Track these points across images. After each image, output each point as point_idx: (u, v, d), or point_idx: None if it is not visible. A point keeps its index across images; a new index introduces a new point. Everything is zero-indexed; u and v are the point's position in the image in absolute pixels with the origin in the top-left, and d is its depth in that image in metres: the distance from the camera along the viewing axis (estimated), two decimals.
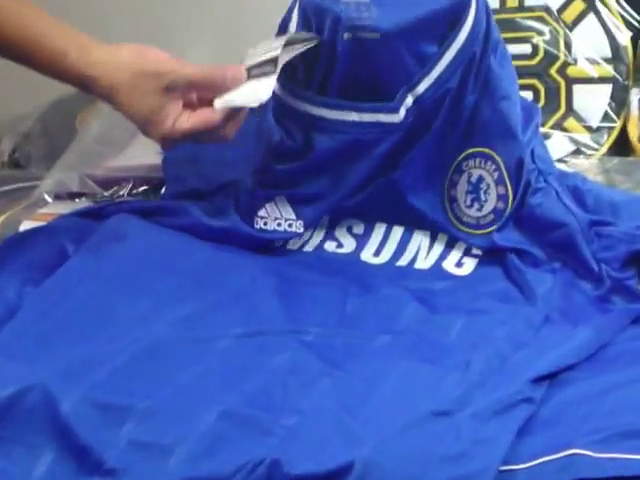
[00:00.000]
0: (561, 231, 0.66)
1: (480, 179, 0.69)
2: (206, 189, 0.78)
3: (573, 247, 0.65)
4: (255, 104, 0.64)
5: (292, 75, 0.69)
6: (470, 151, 0.70)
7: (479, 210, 0.69)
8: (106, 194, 0.83)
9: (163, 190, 0.82)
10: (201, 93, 0.66)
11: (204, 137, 0.67)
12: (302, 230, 0.70)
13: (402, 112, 0.67)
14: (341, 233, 0.72)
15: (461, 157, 0.70)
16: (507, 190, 0.68)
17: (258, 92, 0.64)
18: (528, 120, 0.71)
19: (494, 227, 0.68)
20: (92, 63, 0.64)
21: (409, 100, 0.67)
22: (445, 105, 0.68)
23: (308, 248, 0.72)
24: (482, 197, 0.69)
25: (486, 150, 0.69)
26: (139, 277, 0.64)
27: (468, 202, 0.70)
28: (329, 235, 0.72)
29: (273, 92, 0.66)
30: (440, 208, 0.71)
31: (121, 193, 0.83)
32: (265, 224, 0.71)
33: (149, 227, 0.71)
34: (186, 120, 0.64)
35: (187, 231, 0.71)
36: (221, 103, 0.64)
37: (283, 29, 0.71)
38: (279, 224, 0.71)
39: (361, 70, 0.67)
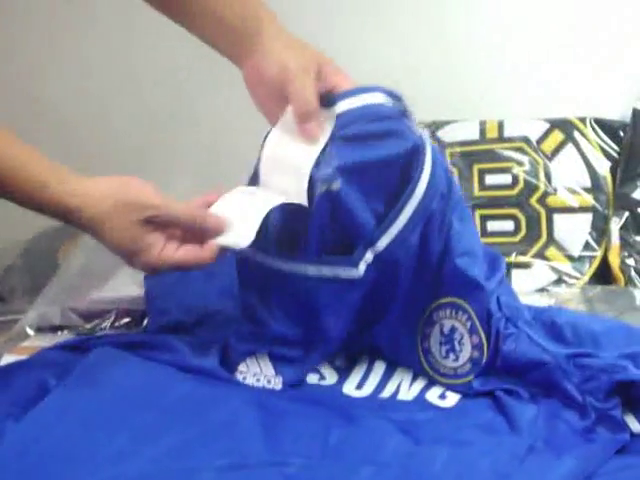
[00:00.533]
0: (540, 371, 0.68)
1: (453, 329, 0.72)
2: (190, 321, 0.83)
3: (554, 384, 0.68)
4: (245, 244, 0.68)
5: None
6: (440, 301, 0.73)
7: (455, 360, 0.72)
8: (88, 327, 0.86)
9: (145, 322, 0.86)
10: (183, 230, 0.70)
11: (190, 268, 0.71)
12: (280, 387, 0.73)
13: (362, 267, 0.70)
14: (323, 366, 0.76)
15: (432, 307, 0.74)
16: (481, 339, 0.71)
17: (246, 233, 0.68)
18: (493, 270, 0.74)
19: (471, 376, 0.71)
20: (72, 194, 0.66)
21: (369, 256, 0.70)
22: (409, 258, 0.71)
23: None
24: (457, 347, 0.72)
25: (456, 300, 0.72)
26: (118, 412, 0.66)
27: (443, 353, 0.73)
28: (312, 368, 0.76)
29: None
30: (415, 361, 0.74)
31: (103, 326, 0.86)
32: (244, 379, 0.74)
33: (131, 361, 0.74)
34: (173, 252, 0.69)
35: (170, 366, 0.74)
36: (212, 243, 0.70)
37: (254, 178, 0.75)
38: (258, 379, 0.74)
39: (330, 227, 0.70)
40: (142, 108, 1.30)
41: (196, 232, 0.70)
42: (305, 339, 0.74)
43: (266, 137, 0.73)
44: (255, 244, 0.70)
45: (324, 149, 0.70)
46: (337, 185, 0.69)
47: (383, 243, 0.70)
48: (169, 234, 0.70)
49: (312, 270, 0.71)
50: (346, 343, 0.75)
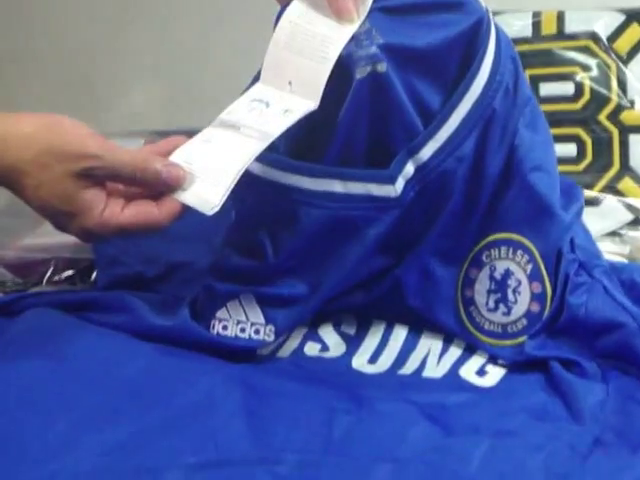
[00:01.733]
0: (614, 335, 0.69)
1: (507, 274, 0.73)
2: (150, 274, 0.82)
3: (631, 353, 0.68)
4: (208, 211, 0.67)
5: None
6: (492, 238, 0.73)
7: (506, 314, 0.73)
8: (19, 281, 0.87)
9: (94, 276, 0.86)
10: (129, 186, 0.69)
11: (140, 232, 0.69)
12: (272, 338, 0.73)
13: (400, 184, 0.70)
14: (326, 332, 0.76)
15: (480, 246, 0.74)
16: (545, 287, 0.71)
17: (213, 192, 0.67)
18: (570, 200, 0.75)
19: (525, 337, 0.71)
20: None
21: (409, 168, 0.70)
22: (458, 178, 0.71)
23: (283, 352, 0.75)
24: (510, 297, 0.73)
25: (514, 236, 0.73)
26: (59, 392, 0.66)
27: (491, 304, 0.73)
28: (311, 334, 0.76)
29: None
30: (452, 313, 0.74)
31: (39, 280, 0.87)
32: (224, 328, 0.74)
33: (74, 325, 0.74)
34: (118, 212, 0.67)
35: (127, 331, 0.74)
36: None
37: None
38: (242, 329, 0.74)
39: (367, 122, 0.70)
40: None
41: (146, 187, 0.69)
42: (313, 274, 0.74)
43: (280, 13, 0.72)
44: (259, 156, 0.70)
45: (360, 27, 0.69)
46: (383, 67, 0.68)
47: (428, 151, 0.71)
48: (111, 189, 0.69)
49: (337, 186, 0.70)
50: (364, 282, 0.75)
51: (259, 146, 0.68)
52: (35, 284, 0.87)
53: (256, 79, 0.74)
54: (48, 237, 0.90)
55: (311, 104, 0.69)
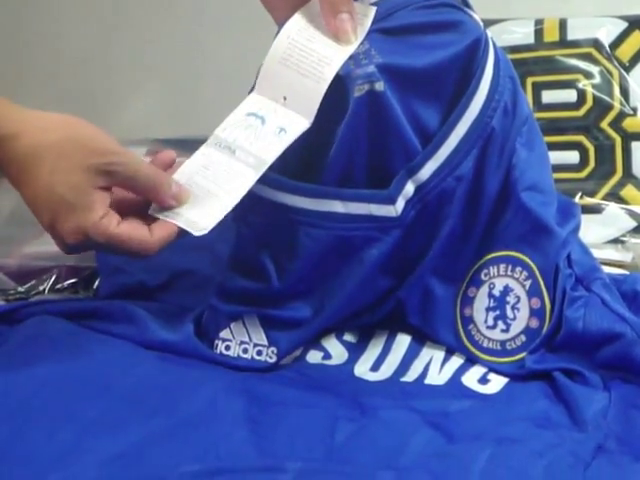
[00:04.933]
0: (614, 345, 0.69)
1: (506, 290, 0.73)
2: (154, 283, 0.83)
3: (631, 362, 0.68)
4: (197, 233, 0.68)
5: None
6: (491, 256, 0.74)
7: (505, 331, 0.73)
8: (21, 289, 0.87)
9: (96, 284, 0.86)
10: (135, 194, 0.69)
11: (129, 250, 0.68)
12: (275, 360, 0.73)
13: (400, 203, 0.71)
14: (329, 340, 0.76)
15: (479, 264, 0.74)
16: (544, 303, 0.72)
17: (205, 218, 0.68)
18: (566, 217, 0.75)
19: (524, 353, 0.71)
20: (8, 118, 0.66)
21: (409, 188, 0.71)
22: (457, 198, 0.72)
23: (286, 361, 0.75)
24: (509, 314, 0.73)
25: (513, 253, 0.73)
26: (61, 400, 0.66)
27: (490, 322, 0.73)
28: (313, 343, 0.76)
29: None
30: (451, 332, 0.75)
31: (41, 288, 0.87)
32: (227, 348, 0.74)
33: (77, 334, 0.74)
34: (115, 223, 0.67)
35: (129, 340, 0.74)
36: (163, 216, 0.69)
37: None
38: (245, 350, 0.74)
39: (365, 141, 0.70)
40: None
41: (152, 197, 0.69)
42: (317, 297, 0.74)
43: (278, 32, 0.73)
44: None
45: (359, 47, 0.70)
46: (381, 86, 0.68)
47: (427, 171, 0.71)
48: (118, 197, 0.69)
49: (338, 206, 0.71)
50: (367, 306, 0.75)
51: (254, 176, 0.69)
52: (38, 292, 0.87)
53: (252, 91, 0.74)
54: (51, 245, 0.89)
55: (305, 122, 0.70)
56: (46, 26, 1.44)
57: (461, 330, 0.75)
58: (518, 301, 0.73)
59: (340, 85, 0.69)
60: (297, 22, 0.72)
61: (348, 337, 0.77)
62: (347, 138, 0.70)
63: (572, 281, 0.72)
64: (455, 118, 0.71)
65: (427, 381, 0.73)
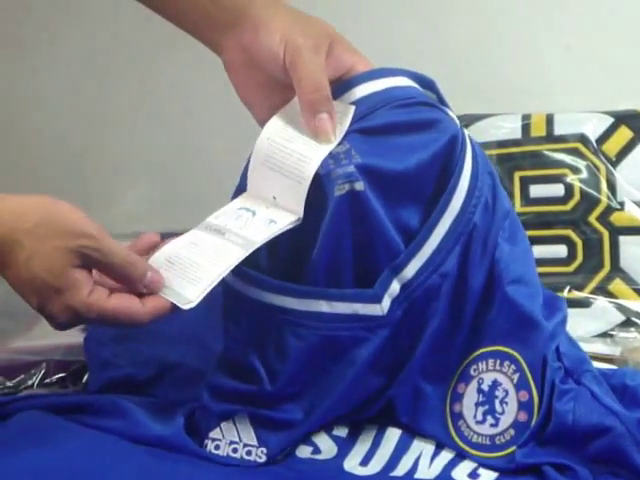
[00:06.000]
0: (603, 439, 0.68)
1: (495, 385, 0.73)
2: (143, 377, 0.82)
3: (621, 456, 0.67)
4: (185, 306, 0.68)
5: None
6: (479, 352, 0.74)
7: (494, 426, 0.72)
8: (10, 384, 0.86)
9: (85, 378, 0.86)
10: (113, 277, 0.69)
11: (122, 322, 0.69)
12: (264, 460, 0.73)
13: (386, 302, 0.71)
14: (318, 435, 0.76)
15: (468, 360, 0.74)
16: (532, 396, 0.71)
17: (192, 290, 0.69)
18: (552, 310, 0.76)
19: (514, 447, 0.71)
20: None
21: (395, 287, 0.72)
22: (443, 295, 0.72)
23: None
24: (498, 408, 0.72)
25: (501, 348, 0.73)
26: None
27: (479, 417, 0.73)
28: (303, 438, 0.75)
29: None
30: (441, 429, 0.74)
31: (30, 383, 0.86)
32: (217, 447, 0.74)
33: (65, 429, 0.74)
34: (105, 297, 0.67)
35: (120, 435, 0.74)
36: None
37: (241, 189, 0.76)
38: (235, 449, 0.74)
39: (350, 240, 0.71)
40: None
41: (127, 283, 0.70)
42: (308, 398, 0.74)
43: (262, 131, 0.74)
44: (245, 277, 0.70)
45: (338, 143, 0.71)
46: (361, 186, 0.69)
47: (412, 269, 0.72)
48: (97, 279, 0.69)
49: (323, 306, 0.71)
50: (359, 404, 0.75)
51: (242, 253, 0.70)
52: (26, 387, 0.86)
53: (239, 187, 0.76)
54: (39, 339, 0.90)
55: (294, 217, 0.71)
56: (39, 117, 1.46)
57: (451, 426, 0.74)
58: (506, 395, 0.72)
59: (320, 184, 0.70)
60: (276, 123, 0.73)
61: (337, 431, 0.77)
62: (329, 237, 0.71)
63: (561, 374, 0.72)
64: (437, 216, 0.72)
65: (417, 475, 0.72)
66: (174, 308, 0.69)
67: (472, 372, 0.74)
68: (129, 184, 1.42)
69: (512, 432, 0.72)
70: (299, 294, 0.72)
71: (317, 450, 0.75)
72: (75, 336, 0.87)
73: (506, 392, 0.72)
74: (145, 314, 0.69)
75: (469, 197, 0.73)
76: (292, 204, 0.71)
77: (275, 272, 0.74)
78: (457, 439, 0.74)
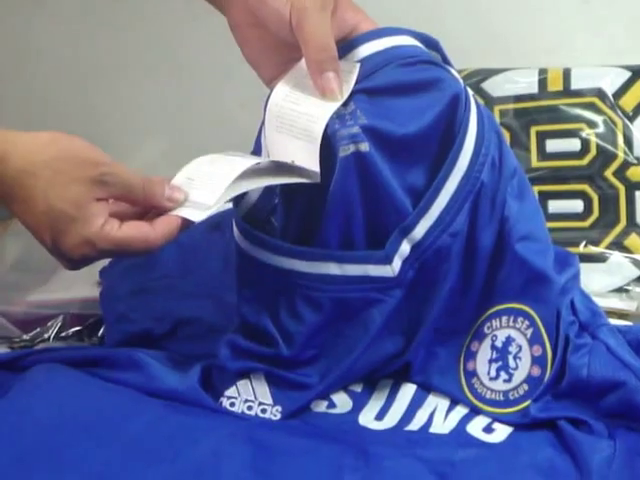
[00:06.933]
0: (617, 393, 0.69)
1: (508, 341, 0.73)
2: (158, 331, 0.83)
3: (635, 410, 0.68)
4: (202, 215, 0.68)
5: (253, 220, 0.75)
6: (493, 310, 0.74)
7: (507, 381, 0.73)
8: (26, 337, 0.87)
9: (102, 332, 0.87)
10: (130, 204, 0.70)
11: (136, 249, 0.69)
12: (278, 418, 0.74)
13: (397, 263, 0.72)
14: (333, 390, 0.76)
15: (482, 319, 0.75)
16: (545, 350, 0.72)
17: (208, 196, 0.68)
18: (564, 266, 0.76)
19: (528, 402, 0.71)
20: (1, 139, 0.66)
21: (405, 248, 0.72)
22: (454, 255, 0.73)
23: None
24: (511, 363, 0.73)
25: (515, 305, 0.73)
26: (65, 448, 0.66)
27: (492, 373, 0.74)
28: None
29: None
30: (455, 387, 0.75)
31: (46, 336, 0.87)
32: (232, 405, 0.75)
33: (82, 381, 0.75)
34: (117, 227, 0.67)
35: (135, 388, 0.75)
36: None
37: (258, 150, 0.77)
38: (250, 407, 0.75)
39: (358, 202, 0.71)
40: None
41: (147, 204, 0.70)
42: (324, 362, 0.75)
43: (269, 96, 0.74)
44: (257, 241, 0.70)
45: (344, 104, 0.71)
46: (366, 146, 0.70)
47: (421, 230, 0.72)
48: (113, 210, 0.69)
49: (334, 269, 0.72)
50: (374, 369, 0.76)
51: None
52: (43, 340, 0.87)
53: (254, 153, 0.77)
54: (56, 293, 0.91)
55: (313, 173, 0.71)
56: (56, 73, 1.46)
57: (464, 384, 0.75)
58: (520, 350, 0.73)
59: (328, 145, 0.70)
60: (282, 88, 0.73)
61: (352, 386, 0.77)
62: (338, 199, 0.71)
63: (576, 328, 0.72)
64: (444, 175, 0.72)
65: (432, 430, 0.73)
66: (185, 224, 0.69)
67: (486, 330, 0.75)
68: (142, 139, 1.42)
69: (526, 387, 0.72)
70: (309, 257, 0.73)
71: (332, 404, 0.76)
72: (91, 290, 0.88)
73: (519, 347, 0.73)
74: (157, 236, 0.68)
75: (475, 156, 0.73)
76: (308, 164, 0.71)
77: (288, 236, 0.74)
78: (471, 396, 0.75)
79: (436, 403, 0.75)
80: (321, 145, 0.70)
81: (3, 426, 0.68)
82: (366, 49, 0.74)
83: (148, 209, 0.70)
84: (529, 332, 0.73)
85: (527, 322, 0.73)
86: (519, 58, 1.11)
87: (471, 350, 0.75)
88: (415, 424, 0.74)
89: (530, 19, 1.20)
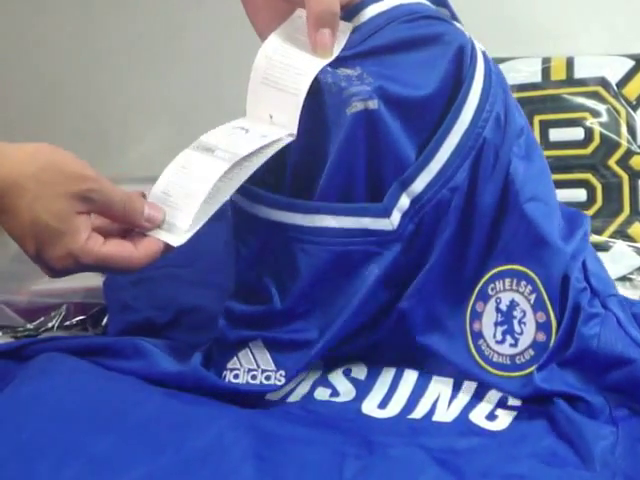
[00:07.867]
0: (624, 370, 0.69)
1: (512, 305, 0.73)
2: (161, 320, 0.83)
3: (638, 390, 0.68)
4: (179, 240, 0.69)
5: (249, 179, 0.74)
6: (496, 270, 0.74)
7: (513, 346, 0.73)
8: (30, 326, 0.88)
9: (105, 321, 0.87)
10: (111, 220, 0.70)
11: (117, 267, 0.70)
12: (283, 382, 0.74)
13: (395, 217, 0.72)
14: (336, 377, 0.77)
15: (485, 278, 0.74)
16: (549, 316, 0.71)
17: (183, 219, 0.69)
18: (573, 228, 0.75)
19: (534, 366, 0.71)
20: None
21: (404, 201, 0.72)
22: (453, 210, 0.73)
23: (293, 398, 0.76)
24: (516, 328, 0.73)
25: (517, 267, 0.73)
26: (68, 436, 0.66)
27: (498, 336, 0.73)
28: (321, 380, 0.77)
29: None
30: (461, 348, 0.75)
31: (50, 325, 0.88)
32: (235, 377, 0.75)
33: (86, 370, 0.75)
34: (101, 243, 0.68)
35: (138, 376, 0.75)
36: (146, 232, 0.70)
37: None
38: (254, 376, 0.74)
39: (365, 157, 0.71)
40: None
41: (126, 223, 0.70)
42: (320, 316, 0.74)
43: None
44: (253, 196, 0.71)
45: (351, 67, 0.71)
46: (375, 104, 0.70)
47: (421, 183, 0.72)
48: (95, 225, 0.70)
49: (331, 221, 0.71)
50: (371, 321, 0.76)
51: (225, 166, 0.70)
52: (46, 329, 0.88)
53: None
54: (59, 282, 0.90)
55: (286, 131, 0.71)
56: (59, 62, 1.46)
57: (472, 345, 0.75)
58: (524, 315, 0.73)
59: (332, 103, 0.70)
60: (273, 41, 0.74)
61: (356, 374, 0.77)
62: (344, 154, 0.71)
63: (588, 295, 0.72)
64: (445, 129, 0.72)
65: (435, 418, 0.73)
66: (167, 248, 0.70)
67: (490, 291, 0.75)
68: (145, 127, 1.42)
69: (532, 352, 0.72)
70: (305, 210, 0.72)
71: (335, 392, 0.76)
72: (94, 279, 0.88)
73: (524, 312, 0.73)
74: (140, 257, 0.69)
75: (479, 111, 0.73)
76: (288, 120, 0.71)
77: (285, 190, 0.74)
78: (478, 358, 0.75)
79: (439, 391, 0.75)
80: (326, 102, 0.70)
81: (7, 415, 0.68)
82: (371, 11, 0.74)
83: (127, 226, 0.71)
84: (532, 298, 0.72)
85: (530, 287, 0.72)
86: (522, 47, 1.11)
87: (476, 310, 0.75)
88: (418, 412, 0.74)
89: (534, 8, 1.19)
